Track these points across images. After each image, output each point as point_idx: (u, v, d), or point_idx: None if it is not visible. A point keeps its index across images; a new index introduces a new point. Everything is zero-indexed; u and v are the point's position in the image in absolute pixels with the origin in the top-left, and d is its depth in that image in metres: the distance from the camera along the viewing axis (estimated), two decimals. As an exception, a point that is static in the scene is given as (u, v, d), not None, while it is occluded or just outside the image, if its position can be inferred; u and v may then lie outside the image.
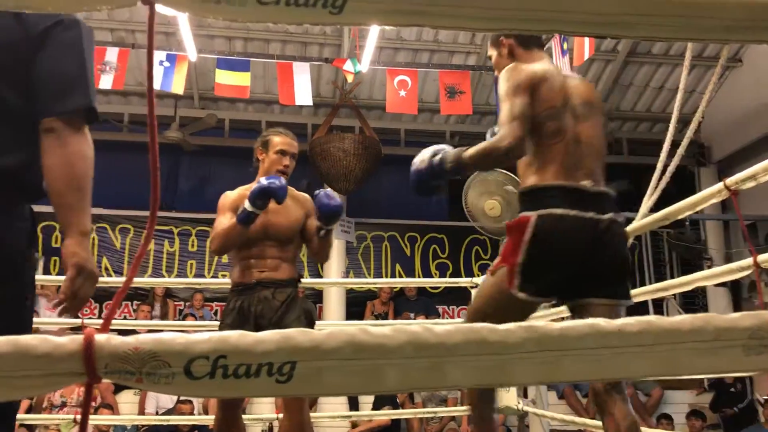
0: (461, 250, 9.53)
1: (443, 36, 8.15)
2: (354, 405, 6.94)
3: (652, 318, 0.92)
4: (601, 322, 0.90)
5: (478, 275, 5.67)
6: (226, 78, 6.84)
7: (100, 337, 0.86)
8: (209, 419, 6.20)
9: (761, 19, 1.13)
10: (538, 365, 0.87)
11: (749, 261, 2.65)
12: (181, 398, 6.28)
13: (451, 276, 8.99)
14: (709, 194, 2.85)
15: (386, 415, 6.09)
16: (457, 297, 8.76)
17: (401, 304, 8.61)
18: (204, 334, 0.85)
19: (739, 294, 8.78)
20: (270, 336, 0.87)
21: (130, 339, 0.86)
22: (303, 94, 6.68)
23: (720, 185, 2.69)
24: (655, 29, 1.12)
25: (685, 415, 6.88)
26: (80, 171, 1.61)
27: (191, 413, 6.25)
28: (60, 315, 1.79)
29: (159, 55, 6.64)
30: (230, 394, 0.90)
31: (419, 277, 9.19)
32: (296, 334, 0.87)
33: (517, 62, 2.24)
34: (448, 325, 0.89)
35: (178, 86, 6.72)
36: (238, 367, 0.85)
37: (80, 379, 0.86)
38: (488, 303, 2.24)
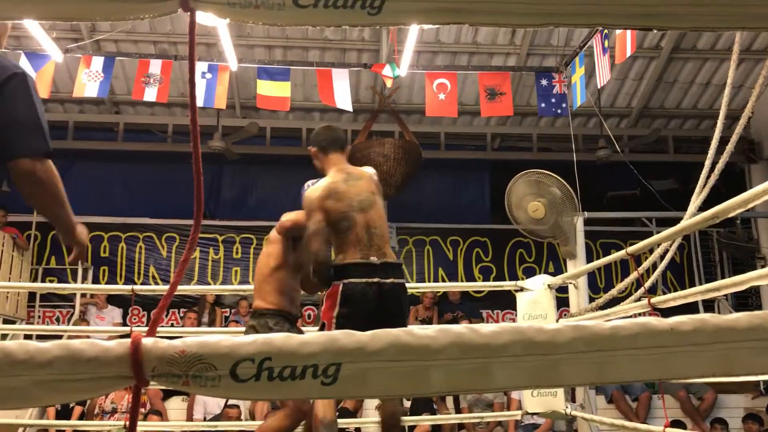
0: (505, 254, 9.44)
1: (482, 38, 8.10)
2: (399, 410, 6.92)
3: (706, 316, 0.89)
4: (653, 320, 0.87)
5: (523, 278, 5.60)
6: (267, 89, 6.91)
7: (147, 341, 0.87)
8: (256, 424, 6.26)
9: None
10: (589, 365, 0.84)
11: (806, 258, 2.56)
12: (229, 403, 6.34)
13: (494, 279, 8.90)
14: (761, 190, 2.76)
15: (431, 420, 6.06)
16: (502, 301, 8.68)
17: (445, 308, 8.56)
18: (249, 337, 0.86)
19: (794, 294, 8.49)
20: (315, 338, 0.86)
21: (176, 342, 0.87)
22: (342, 99, 6.72)
23: (773, 181, 2.61)
24: (702, 19, 1.08)
25: (740, 419, 6.67)
26: (56, 190, 1.99)
27: (238, 418, 6.31)
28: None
29: (201, 67, 6.76)
30: (276, 397, 0.90)
31: (462, 281, 9.13)
32: (341, 336, 0.87)
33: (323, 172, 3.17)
34: (494, 326, 0.87)
35: (220, 101, 6.82)
36: (284, 369, 0.84)
37: (128, 383, 0.87)
38: None
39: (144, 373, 0.86)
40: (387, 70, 6.75)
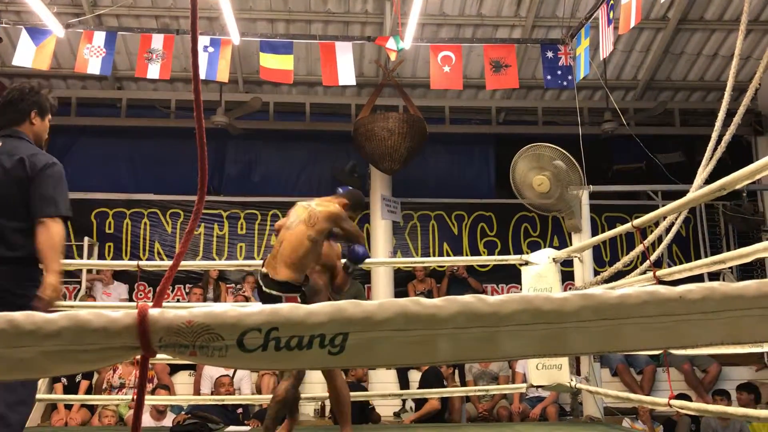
0: (509, 228, 9.44)
1: (487, 9, 8.02)
2: (405, 384, 6.97)
3: (714, 284, 0.88)
4: (661, 289, 0.87)
5: (528, 252, 5.60)
6: (270, 62, 6.85)
7: (154, 311, 0.86)
8: (263, 398, 6.32)
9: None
10: (597, 334, 0.84)
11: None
12: (222, 372, 6.41)
13: (499, 254, 8.91)
14: (768, 162, 2.75)
15: (438, 393, 6.10)
16: (506, 275, 8.70)
17: (451, 283, 8.59)
18: (256, 307, 0.85)
19: (800, 267, 8.49)
20: (322, 308, 0.86)
21: (183, 312, 0.87)
22: (346, 74, 6.66)
23: (781, 152, 2.59)
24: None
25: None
26: (57, 242, 2.83)
27: (230, 385, 6.36)
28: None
29: (203, 41, 6.70)
30: (283, 366, 0.90)
31: (467, 255, 9.15)
32: (348, 305, 0.87)
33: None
34: (502, 296, 0.87)
35: (223, 74, 6.77)
36: (291, 339, 0.84)
37: (136, 353, 0.87)
38: None
39: (151, 344, 0.86)
40: (391, 43, 6.68)
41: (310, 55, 8.31)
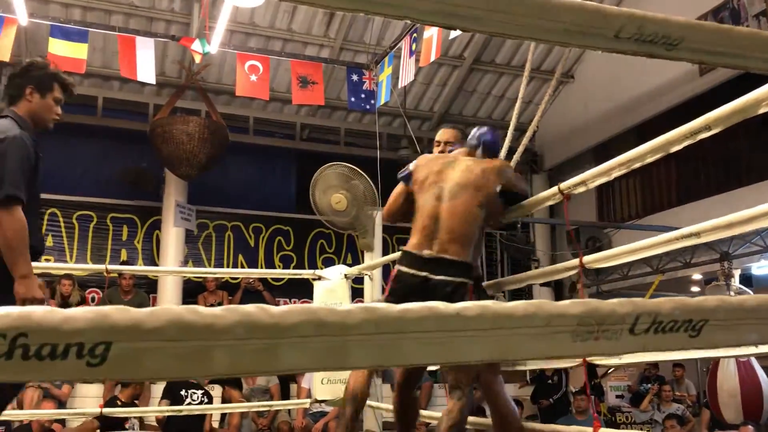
0: (306, 243, 9.48)
1: (297, 26, 8.06)
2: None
3: (489, 303, 0.92)
4: (440, 305, 0.89)
5: (322, 268, 5.66)
6: (60, 48, 6.28)
7: None
8: (23, 413, 5.70)
9: (595, 25, 1.19)
10: (377, 348, 0.84)
11: (575, 261, 2.82)
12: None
13: (294, 268, 8.91)
14: (544, 197, 3.02)
15: (222, 409, 5.93)
16: (300, 290, 8.69)
17: (245, 296, 8.31)
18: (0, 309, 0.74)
19: (561, 294, 9.45)
20: (81, 313, 0.77)
21: None
22: (145, 70, 6.29)
23: (554, 189, 2.85)
24: (501, 26, 1.13)
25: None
26: (11, 237, 2.38)
27: None
28: None
29: (-18, 15, 6.00)
30: (31, 378, 0.79)
31: (262, 268, 9.04)
32: (113, 311, 0.78)
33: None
34: (284, 306, 0.84)
35: (4, 52, 6.09)
36: (42, 348, 0.74)
37: None
38: None
39: None
40: (196, 45, 6.45)
41: (107, 46, 7.78)
